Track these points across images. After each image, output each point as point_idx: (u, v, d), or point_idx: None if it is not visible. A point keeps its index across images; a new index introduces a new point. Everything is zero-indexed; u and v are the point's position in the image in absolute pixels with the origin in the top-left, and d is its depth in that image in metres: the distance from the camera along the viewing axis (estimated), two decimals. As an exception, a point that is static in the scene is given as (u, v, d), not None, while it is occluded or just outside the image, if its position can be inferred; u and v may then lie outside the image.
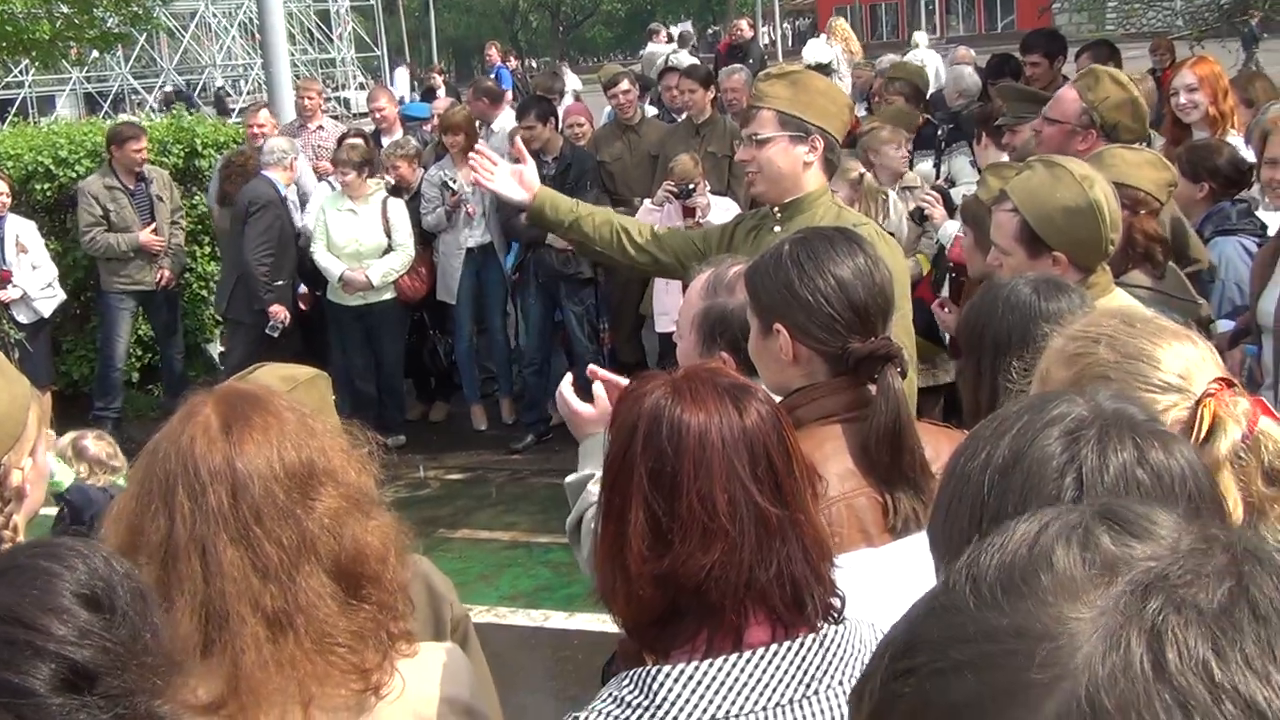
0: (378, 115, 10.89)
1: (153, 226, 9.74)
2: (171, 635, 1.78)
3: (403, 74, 28.99)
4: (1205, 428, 1.77)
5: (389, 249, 9.15)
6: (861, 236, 2.78)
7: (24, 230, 9.34)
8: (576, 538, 2.88)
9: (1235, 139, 6.01)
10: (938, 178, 8.28)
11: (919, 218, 6.75)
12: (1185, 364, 1.87)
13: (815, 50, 13.13)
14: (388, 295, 9.29)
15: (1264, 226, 5.08)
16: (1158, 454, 1.38)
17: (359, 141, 9.36)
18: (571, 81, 16.30)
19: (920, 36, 18.13)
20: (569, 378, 3.09)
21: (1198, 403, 1.80)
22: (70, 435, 5.46)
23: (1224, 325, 4.67)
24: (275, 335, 9.20)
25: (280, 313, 9.18)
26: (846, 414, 2.62)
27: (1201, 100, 6.36)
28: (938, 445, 2.68)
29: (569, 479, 2.99)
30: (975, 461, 1.43)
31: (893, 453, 2.52)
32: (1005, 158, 5.77)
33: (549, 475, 8.51)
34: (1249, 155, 5.42)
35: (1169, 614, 0.80)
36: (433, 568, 2.57)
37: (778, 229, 3.93)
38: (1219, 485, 1.52)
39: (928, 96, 9.54)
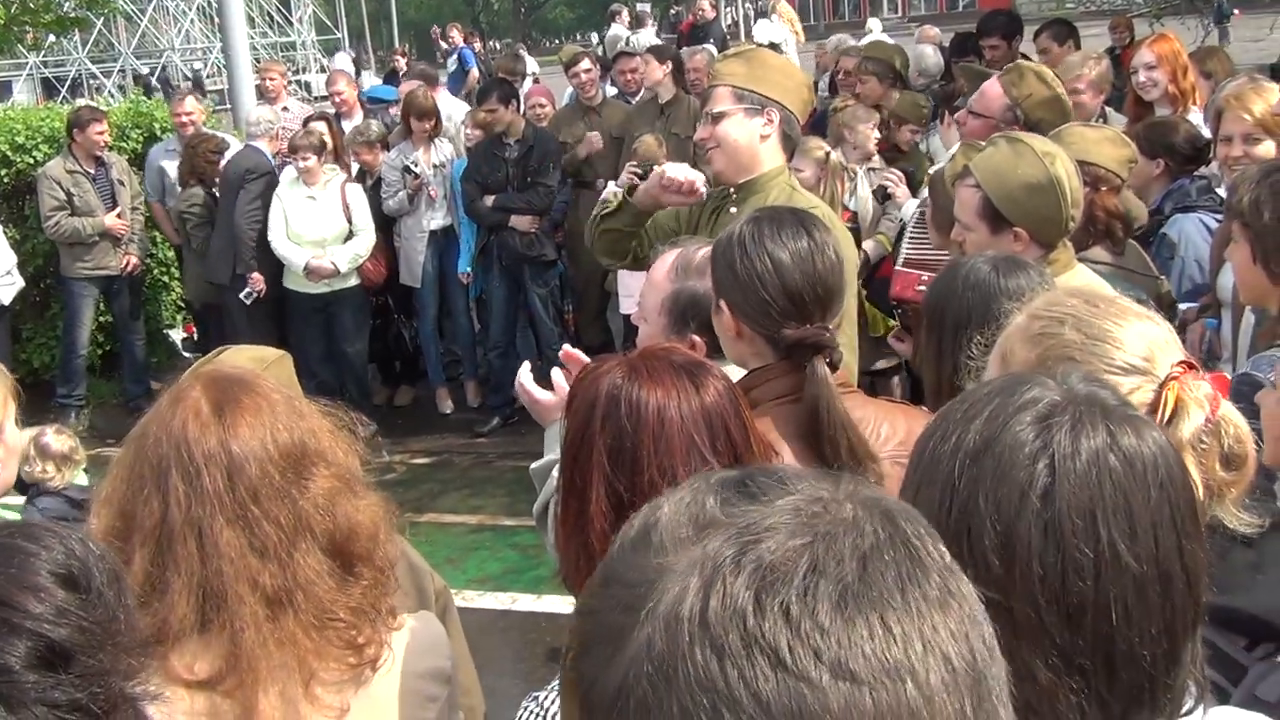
0: (337, 99, 10.82)
1: (118, 211, 9.66)
2: (167, 617, 1.80)
3: (343, 58, 28.40)
4: (1169, 411, 1.78)
5: (350, 235, 9.09)
6: (816, 219, 2.77)
7: (-19, 217, 9.24)
8: (544, 523, 2.88)
9: (1197, 116, 6.04)
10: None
11: (882, 196, 6.79)
12: (1148, 345, 1.88)
13: (765, 30, 13.20)
14: (353, 281, 9.24)
15: (1223, 202, 5.11)
16: (1130, 439, 1.37)
17: (317, 126, 9.30)
18: (529, 64, 16.24)
19: (874, 23, 18.29)
20: (527, 366, 3.09)
21: (1162, 385, 1.81)
22: (29, 433, 5.40)
23: (1185, 307, 4.70)
24: (248, 302, 9.17)
25: (259, 281, 9.13)
26: (798, 396, 2.63)
27: (1161, 78, 6.39)
28: (894, 422, 2.69)
29: (534, 465, 2.99)
30: (946, 445, 1.42)
31: (812, 440, 2.52)
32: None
33: (515, 458, 8.51)
34: (1208, 131, 5.45)
35: (725, 564, 0.85)
36: (408, 545, 2.59)
37: (733, 210, 3.94)
38: (1190, 473, 1.52)
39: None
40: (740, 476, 0.96)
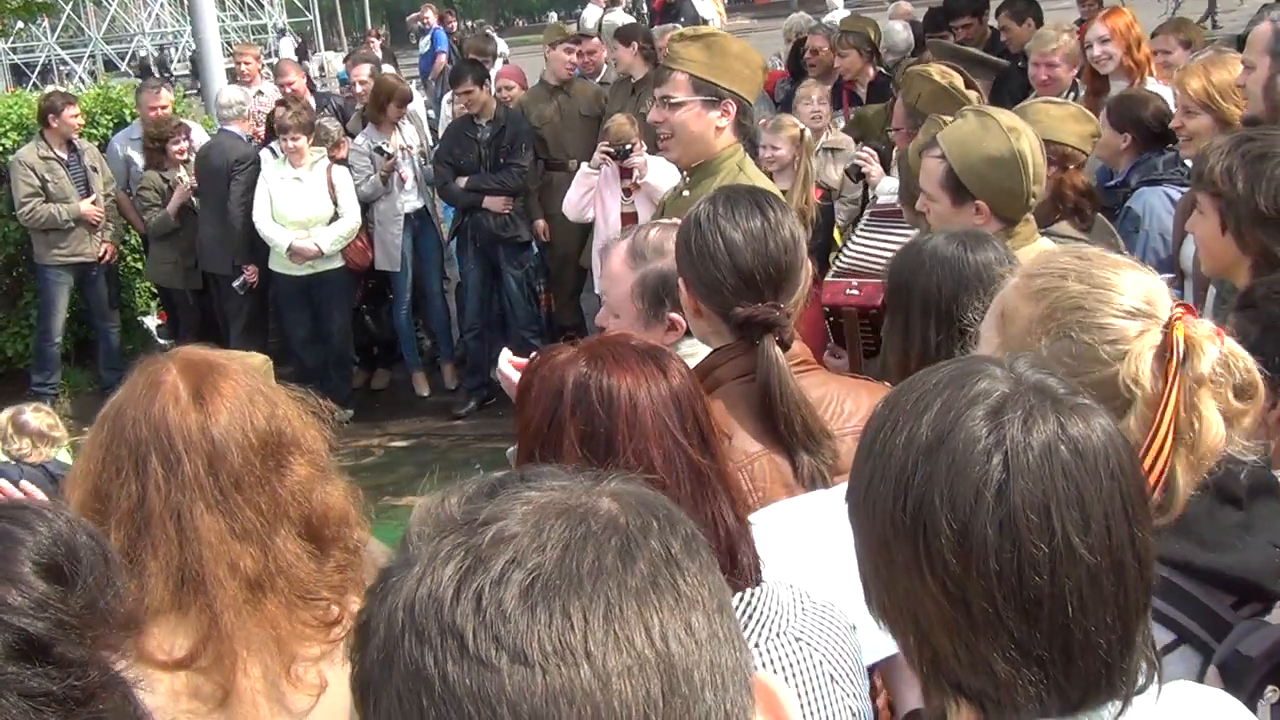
0: (288, 90, 10.62)
1: (92, 197, 9.57)
2: (142, 598, 1.82)
3: (288, 44, 27.84)
4: (1183, 349, 1.80)
5: (334, 217, 9.06)
6: (774, 198, 2.79)
7: (-48, 206, 9.17)
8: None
9: (1156, 86, 6.07)
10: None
11: (856, 175, 6.79)
12: (1146, 291, 1.91)
13: (698, 7, 13.17)
14: (337, 263, 9.20)
15: (1190, 174, 5.14)
16: (1078, 428, 1.37)
17: (299, 107, 9.25)
18: (500, 45, 16.18)
19: None
20: (506, 353, 3.10)
21: (1168, 326, 1.83)
22: (8, 411, 5.42)
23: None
24: (241, 292, 9.21)
25: (253, 273, 9.15)
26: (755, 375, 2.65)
27: (1115, 51, 6.42)
28: (857, 399, 2.71)
29: (511, 450, 3.00)
30: (897, 438, 1.41)
31: (770, 419, 2.55)
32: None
33: (492, 440, 8.51)
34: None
35: (440, 557, 0.92)
36: (374, 540, 2.62)
37: (686, 192, 4.02)
38: (1138, 458, 1.52)
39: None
40: (497, 479, 1.00)
